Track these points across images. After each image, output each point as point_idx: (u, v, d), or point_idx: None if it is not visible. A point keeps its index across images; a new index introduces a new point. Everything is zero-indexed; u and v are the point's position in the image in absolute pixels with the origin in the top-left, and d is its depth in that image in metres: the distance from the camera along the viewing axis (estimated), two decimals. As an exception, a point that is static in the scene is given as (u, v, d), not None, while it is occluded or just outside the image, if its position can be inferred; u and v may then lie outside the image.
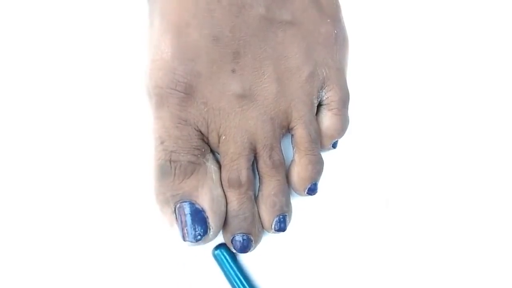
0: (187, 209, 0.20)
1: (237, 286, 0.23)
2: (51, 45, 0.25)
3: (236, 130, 0.21)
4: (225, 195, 0.21)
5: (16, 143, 0.24)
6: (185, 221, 0.20)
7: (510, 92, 0.26)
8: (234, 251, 0.22)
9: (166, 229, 0.21)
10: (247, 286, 0.22)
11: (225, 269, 0.23)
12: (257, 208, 0.22)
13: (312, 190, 0.23)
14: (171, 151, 0.20)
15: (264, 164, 0.22)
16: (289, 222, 0.23)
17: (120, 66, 0.24)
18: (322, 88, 0.23)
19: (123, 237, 0.23)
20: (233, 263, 0.23)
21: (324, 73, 0.22)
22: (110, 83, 0.24)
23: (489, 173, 0.25)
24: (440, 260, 0.23)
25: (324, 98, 0.23)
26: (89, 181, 0.24)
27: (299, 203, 0.24)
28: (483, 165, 0.25)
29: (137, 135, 0.24)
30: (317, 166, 0.22)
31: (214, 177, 0.21)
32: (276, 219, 0.22)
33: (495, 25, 0.26)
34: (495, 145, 0.25)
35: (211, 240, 0.21)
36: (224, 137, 0.21)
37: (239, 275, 0.23)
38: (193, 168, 0.21)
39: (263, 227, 0.22)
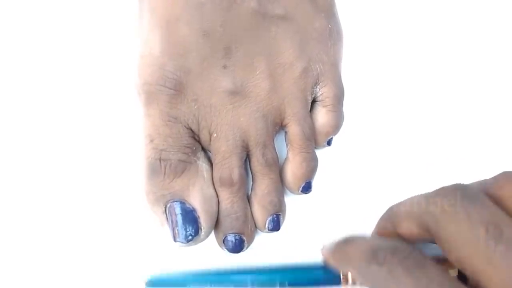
0: (177, 208, 0.20)
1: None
2: (38, 42, 0.24)
3: (228, 127, 0.21)
4: (216, 194, 0.21)
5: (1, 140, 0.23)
6: (176, 221, 0.20)
7: (499, 85, 0.25)
8: (226, 251, 0.21)
9: (157, 229, 0.21)
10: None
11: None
12: (250, 207, 0.22)
13: (306, 189, 0.22)
14: (161, 150, 0.20)
15: (257, 162, 0.21)
16: (283, 221, 0.23)
17: (109, 62, 0.24)
18: (316, 84, 0.22)
19: (113, 237, 0.23)
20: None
21: (318, 69, 0.22)
22: (99, 80, 0.24)
23: (485, 165, 0.25)
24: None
25: (319, 94, 0.22)
26: (78, 180, 0.23)
27: (293, 201, 0.23)
28: (478, 159, 0.25)
29: (127, 133, 0.23)
30: (311, 163, 0.22)
31: (205, 175, 0.21)
32: (270, 218, 0.22)
33: (491, 18, 0.26)
34: (491, 139, 0.25)
35: (202, 240, 0.21)
36: (215, 135, 0.21)
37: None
38: (183, 167, 0.20)
39: (256, 226, 0.22)
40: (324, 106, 0.22)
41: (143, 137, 0.20)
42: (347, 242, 0.18)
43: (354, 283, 0.20)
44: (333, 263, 0.18)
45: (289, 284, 0.21)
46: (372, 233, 0.19)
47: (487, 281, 0.13)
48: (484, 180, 0.16)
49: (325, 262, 0.19)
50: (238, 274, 0.21)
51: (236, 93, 0.21)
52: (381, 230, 0.18)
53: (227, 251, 0.21)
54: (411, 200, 0.17)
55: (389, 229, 0.17)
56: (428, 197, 0.16)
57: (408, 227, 0.16)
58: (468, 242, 0.13)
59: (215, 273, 0.21)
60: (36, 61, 0.24)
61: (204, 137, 0.21)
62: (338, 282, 0.20)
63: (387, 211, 0.18)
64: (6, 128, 0.24)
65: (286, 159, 0.22)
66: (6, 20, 0.24)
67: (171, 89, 0.20)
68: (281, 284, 0.21)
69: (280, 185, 0.22)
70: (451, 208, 0.14)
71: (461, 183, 0.15)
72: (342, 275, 0.20)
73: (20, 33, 0.24)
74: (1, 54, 0.24)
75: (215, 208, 0.21)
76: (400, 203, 0.17)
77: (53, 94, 0.24)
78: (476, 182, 0.16)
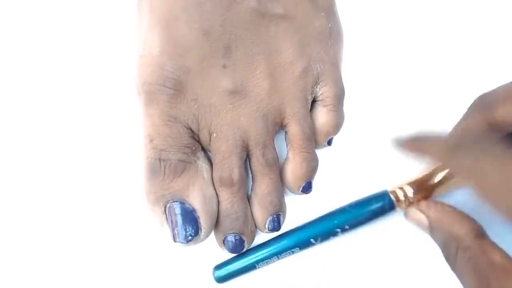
0: (177, 209, 0.20)
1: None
2: (38, 42, 0.24)
3: (228, 127, 0.21)
4: (216, 194, 0.21)
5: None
6: (176, 221, 0.20)
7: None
8: (226, 251, 0.21)
9: (157, 229, 0.21)
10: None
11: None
12: (250, 207, 0.22)
13: (306, 189, 0.22)
14: (161, 150, 0.20)
15: (257, 162, 0.21)
16: (283, 221, 0.22)
17: (108, 62, 0.24)
18: (316, 83, 0.22)
19: (113, 237, 0.23)
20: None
21: (319, 68, 0.22)
22: (98, 80, 0.24)
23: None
24: (441, 261, 0.22)
25: (319, 94, 0.22)
26: (77, 180, 0.23)
27: (293, 202, 0.23)
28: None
29: (126, 133, 0.23)
30: (312, 163, 0.22)
31: (205, 175, 0.21)
32: (270, 218, 0.21)
33: (491, 18, 0.26)
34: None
35: (202, 240, 0.20)
36: (215, 135, 0.21)
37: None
38: (183, 167, 0.20)
39: (256, 226, 0.22)
40: (324, 106, 0.22)
41: (142, 137, 0.20)
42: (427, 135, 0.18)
43: (408, 202, 0.22)
44: (412, 148, 0.19)
45: (350, 227, 0.22)
46: (457, 123, 0.19)
47: None
48: None
49: (400, 148, 0.20)
50: (297, 234, 0.23)
51: (236, 93, 0.21)
52: (470, 119, 0.18)
53: (227, 251, 0.21)
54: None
55: (479, 118, 0.17)
56: None
57: (507, 112, 0.16)
58: None
59: (275, 244, 0.23)
60: (35, 61, 0.24)
61: (204, 137, 0.21)
62: (392, 206, 0.22)
63: (477, 100, 0.18)
64: (6, 128, 0.23)
65: (286, 159, 0.22)
66: (5, 20, 0.24)
67: (171, 89, 0.20)
68: (342, 230, 0.22)
69: (280, 185, 0.22)
70: None
71: None
72: (394, 197, 0.22)
73: (18, 32, 0.24)
74: (0, 54, 0.24)
75: (215, 208, 0.21)
76: (495, 89, 0.17)
77: (52, 94, 0.24)
78: None
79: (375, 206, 0.22)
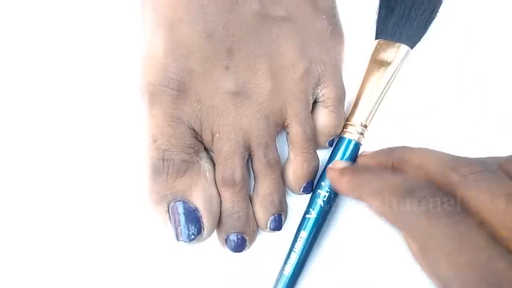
0: (180, 208, 0.20)
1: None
2: (43, 44, 0.24)
3: (230, 128, 0.21)
4: (219, 194, 0.21)
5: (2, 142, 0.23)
6: (179, 220, 0.20)
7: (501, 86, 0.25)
8: (228, 250, 0.22)
9: (160, 228, 0.21)
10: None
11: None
12: (252, 207, 0.22)
13: (307, 189, 0.22)
14: (164, 150, 0.20)
15: (259, 162, 0.21)
16: (285, 221, 0.23)
17: (113, 63, 0.24)
18: (317, 85, 0.22)
19: (117, 236, 0.23)
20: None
21: (320, 70, 0.22)
22: (102, 80, 0.24)
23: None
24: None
25: (320, 95, 0.23)
26: (81, 180, 0.23)
27: (294, 201, 0.23)
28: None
29: (130, 133, 0.23)
30: (313, 164, 0.22)
31: (208, 175, 0.21)
32: (271, 218, 0.22)
33: (492, 18, 0.26)
34: (493, 141, 0.25)
35: (205, 239, 0.21)
36: (218, 135, 0.21)
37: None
38: (186, 167, 0.20)
39: (258, 226, 0.22)
40: (325, 107, 0.23)
41: (146, 137, 0.21)
42: (370, 171, 0.17)
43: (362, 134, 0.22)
44: (347, 189, 0.18)
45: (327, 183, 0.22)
46: (361, 160, 0.19)
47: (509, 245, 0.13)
48: (499, 157, 0.16)
49: (332, 183, 0.19)
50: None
51: (238, 94, 0.21)
52: (376, 162, 0.18)
53: (229, 250, 0.21)
54: (428, 153, 0.17)
55: (385, 164, 0.18)
56: (451, 161, 0.16)
57: (414, 175, 0.16)
58: (488, 210, 0.14)
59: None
60: (40, 62, 0.24)
61: (206, 137, 0.21)
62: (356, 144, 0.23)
63: (392, 150, 0.18)
64: (10, 129, 0.24)
65: (287, 159, 0.23)
66: (11, 21, 0.24)
67: (174, 90, 0.20)
68: (327, 192, 0.22)
69: (282, 185, 0.22)
70: (473, 177, 0.14)
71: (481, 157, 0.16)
72: (352, 137, 0.22)
73: (24, 33, 0.24)
74: (5, 55, 0.24)
75: (217, 208, 0.21)
76: (411, 149, 0.17)
77: (57, 94, 0.24)
78: (491, 157, 0.16)
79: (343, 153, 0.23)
